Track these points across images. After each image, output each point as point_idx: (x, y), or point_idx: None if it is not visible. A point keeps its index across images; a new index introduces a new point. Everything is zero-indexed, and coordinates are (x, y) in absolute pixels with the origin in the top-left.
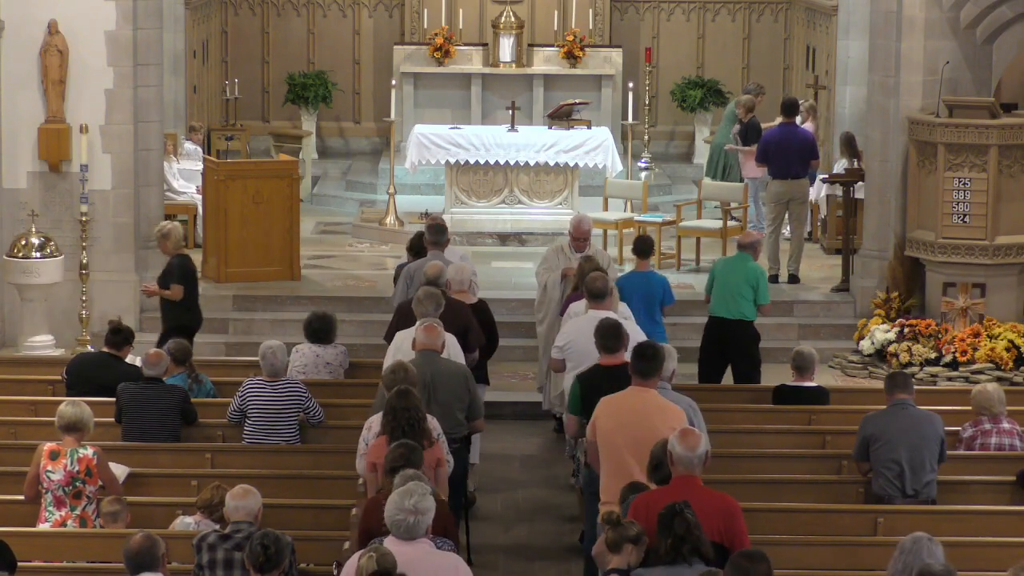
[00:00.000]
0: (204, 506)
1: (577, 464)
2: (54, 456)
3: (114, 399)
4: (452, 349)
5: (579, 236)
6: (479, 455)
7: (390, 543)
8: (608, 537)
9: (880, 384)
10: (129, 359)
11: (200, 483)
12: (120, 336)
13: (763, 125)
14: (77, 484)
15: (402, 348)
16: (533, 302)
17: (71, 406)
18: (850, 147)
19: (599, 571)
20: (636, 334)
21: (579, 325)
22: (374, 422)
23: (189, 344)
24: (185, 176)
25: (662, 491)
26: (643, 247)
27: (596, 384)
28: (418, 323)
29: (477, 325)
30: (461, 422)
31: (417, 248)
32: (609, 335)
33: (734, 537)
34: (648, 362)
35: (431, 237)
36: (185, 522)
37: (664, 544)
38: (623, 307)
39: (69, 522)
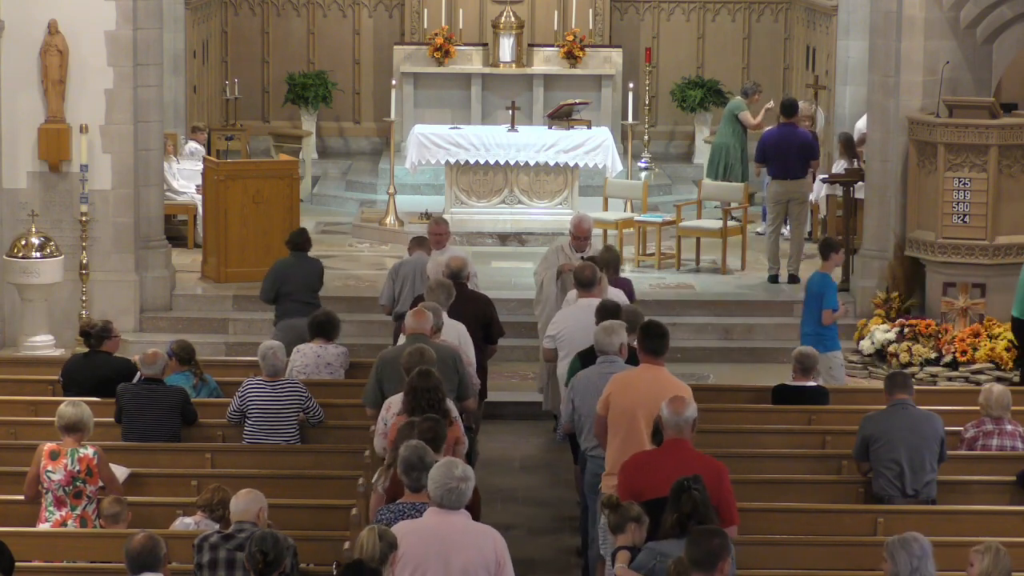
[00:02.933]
0: (205, 506)
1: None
2: (54, 456)
3: (112, 397)
4: (463, 338)
5: (580, 235)
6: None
7: (431, 513)
8: (611, 520)
9: (880, 384)
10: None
11: (200, 483)
12: (92, 338)
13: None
14: (78, 484)
15: None
16: (533, 302)
17: (71, 406)
18: (849, 147)
19: (602, 550)
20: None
21: (569, 314)
22: (393, 402)
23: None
24: (185, 176)
25: (652, 452)
26: (825, 249)
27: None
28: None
29: (498, 318)
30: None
31: (295, 243)
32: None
33: (721, 498)
34: (657, 341)
35: (426, 235)
36: (184, 522)
37: (671, 518)
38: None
39: (69, 522)
